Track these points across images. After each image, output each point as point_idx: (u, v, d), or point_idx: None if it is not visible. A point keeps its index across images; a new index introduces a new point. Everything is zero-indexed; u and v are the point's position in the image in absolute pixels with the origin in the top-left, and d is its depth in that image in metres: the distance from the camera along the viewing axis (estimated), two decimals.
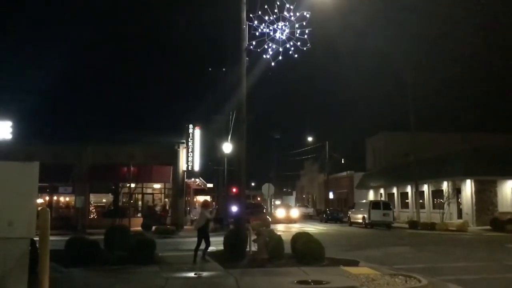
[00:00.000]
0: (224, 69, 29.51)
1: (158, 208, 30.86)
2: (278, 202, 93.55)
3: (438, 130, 44.74)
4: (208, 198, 46.55)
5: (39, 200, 27.06)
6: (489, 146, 34.40)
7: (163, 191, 33.08)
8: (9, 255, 7.83)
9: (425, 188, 37.82)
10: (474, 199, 32.15)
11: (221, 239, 14.43)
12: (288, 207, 46.99)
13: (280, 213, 42.53)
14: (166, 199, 31.50)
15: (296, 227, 31.66)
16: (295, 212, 44.02)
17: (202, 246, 12.90)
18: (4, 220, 7.82)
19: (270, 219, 33.15)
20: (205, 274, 10.70)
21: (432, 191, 37.50)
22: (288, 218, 41.14)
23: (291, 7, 12.46)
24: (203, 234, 13.03)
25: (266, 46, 12.77)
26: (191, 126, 32.18)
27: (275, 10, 12.55)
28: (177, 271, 10.97)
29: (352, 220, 37.59)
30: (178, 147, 32.12)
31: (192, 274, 10.56)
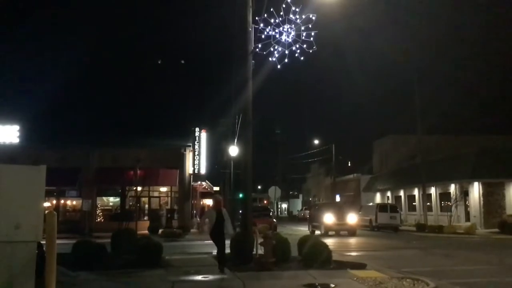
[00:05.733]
0: (159, 62, 30.22)
1: (163, 212, 30.86)
2: (285, 205, 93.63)
3: (445, 132, 44.54)
4: (209, 200, 46.05)
5: (46, 204, 27.16)
6: (497, 148, 34.21)
7: (169, 195, 33.12)
8: (16, 258, 7.84)
9: (432, 190, 37.63)
10: (482, 202, 31.96)
11: (228, 242, 14.40)
12: (339, 208, 30.07)
13: (329, 219, 27.81)
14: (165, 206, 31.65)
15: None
16: (352, 218, 28.43)
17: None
18: (11, 223, 7.83)
19: (275, 221, 33.09)
20: (212, 277, 10.66)
21: (440, 194, 37.32)
22: (341, 225, 27.72)
23: (297, 9, 12.43)
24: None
25: (272, 49, 12.73)
26: (197, 129, 32.28)
27: (281, 13, 12.53)
28: (184, 275, 10.94)
29: (359, 223, 37.44)
30: (185, 151, 32.20)
31: (199, 278, 10.54)
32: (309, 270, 11.23)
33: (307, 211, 59.78)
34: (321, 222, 28.38)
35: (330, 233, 27.83)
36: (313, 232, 29.09)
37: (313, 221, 31.10)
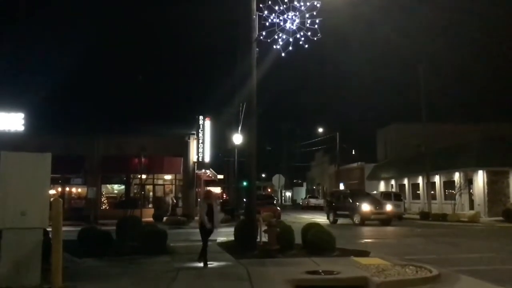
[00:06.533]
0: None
1: (170, 201, 30.98)
2: (289, 194, 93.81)
3: (450, 120, 44.38)
4: (213, 188, 46.06)
5: (52, 191, 27.31)
6: (502, 136, 34.07)
7: (174, 182, 33.24)
8: (22, 244, 7.94)
9: (436, 179, 37.59)
10: (486, 190, 31.93)
11: (232, 230, 14.49)
12: (372, 197, 30.28)
13: (367, 207, 26.69)
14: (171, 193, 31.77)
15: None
16: (389, 207, 27.99)
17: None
18: (18, 210, 7.93)
19: (279, 209, 33.06)
20: (216, 264, 10.75)
21: (444, 182, 37.28)
22: (379, 214, 26.67)
23: None
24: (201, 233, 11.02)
25: (276, 37, 12.69)
26: (201, 117, 32.26)
27: (285, 0, 12.48)
28: (188, 261, 11.03)
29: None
30: (189, 139, 32.25)
31: (203, 264, 10.60)
32: (313, 258, 11.30)
33: (312, 199, 59.96)
34: (357, 211, 26.75)
35: (340, 220, 27.68)
36: (335, 222, 28.33)
37: (338, 209, 29.00)
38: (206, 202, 11.05)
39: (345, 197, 29.58)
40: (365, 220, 26.31)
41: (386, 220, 26.50)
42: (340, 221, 28.35)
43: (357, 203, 27.18)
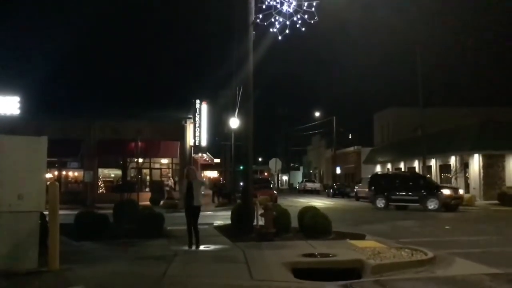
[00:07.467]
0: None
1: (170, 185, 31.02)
2: (285, 178, 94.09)
3: (446, 104, 44.40)
4: (210, 172, 45.57)
5: (48, 175, 27.29)
6: (497, 120, 34.16)
7: (170, 166, 33.26)
8: (19, 228, 7.95)
9: (432, 162, 37.75)
10: (481, 174, 32.10)
11: (229, 213, 14.53)
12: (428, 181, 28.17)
13: (447, 191, 25.61)
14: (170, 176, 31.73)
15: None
16: (461, 191, 27.83)
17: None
18: (15, 193, 7.92)
19: (276, 193, 33.15)
20: (213, 247, 10.81)
21: (440, 166, 37.46)
22: (457, 198, 25.48)
23: None
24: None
25: (273, 20, 12.60)
26: (198, 101, 32.19)
27: None
28: (185, 244, 11.06)
29: (359, 195, 37.59)
30: (185, 122, 32.19)
31: (200, 248, 10.66)
32: (309, 241, 11.35)
33: (308, 183, 59.97)
34: (436, 195, 24.96)
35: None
36: (386, 207, 26.56)
37: (393, 194, 26.65)
38: (186, 180, 10.91)
39: (405, 180, 27.56)
40: (445, 205, 24.73)
41: (454, 206, 25.01)
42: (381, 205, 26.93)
43: (434, 187, 26.05)
